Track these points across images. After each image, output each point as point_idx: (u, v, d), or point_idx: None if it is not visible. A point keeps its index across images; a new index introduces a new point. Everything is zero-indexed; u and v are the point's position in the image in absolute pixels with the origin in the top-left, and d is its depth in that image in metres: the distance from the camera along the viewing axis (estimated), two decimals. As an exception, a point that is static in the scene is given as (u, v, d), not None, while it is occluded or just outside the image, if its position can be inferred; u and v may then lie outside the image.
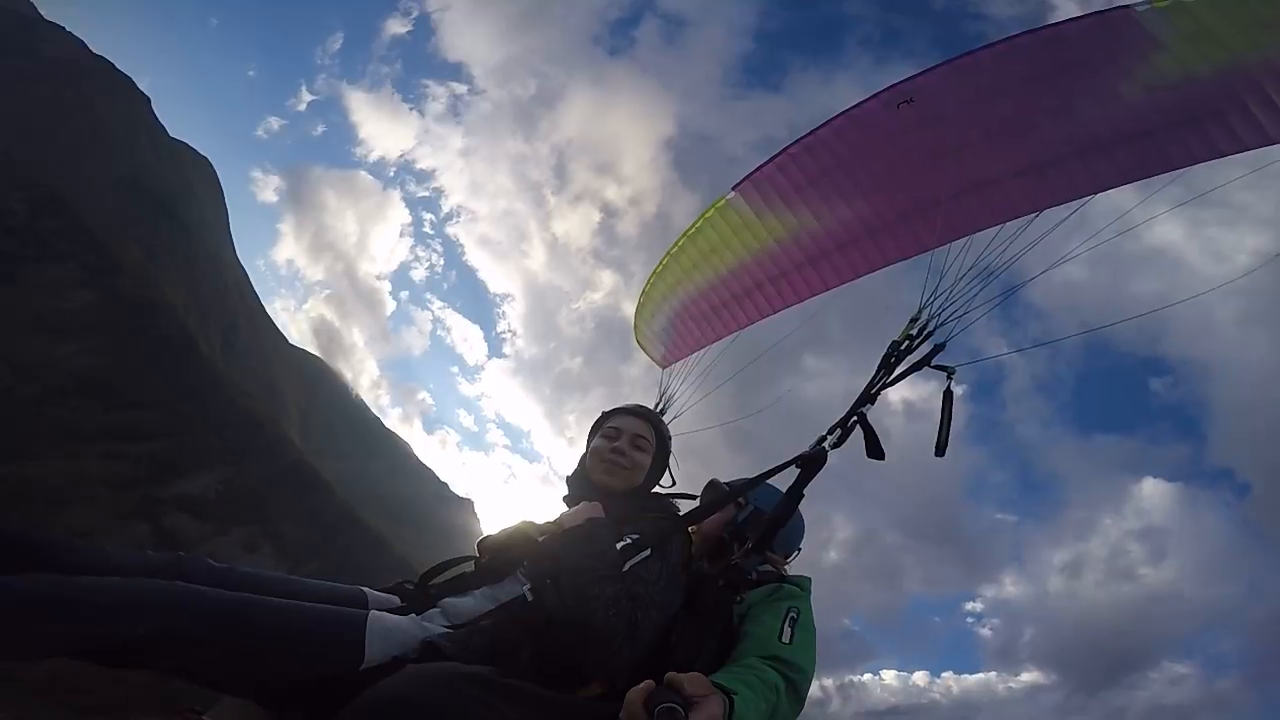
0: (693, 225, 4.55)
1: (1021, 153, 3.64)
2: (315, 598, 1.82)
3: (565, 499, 2.37)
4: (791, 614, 2.12)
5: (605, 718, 1.67)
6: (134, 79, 50.16)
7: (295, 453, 28.37)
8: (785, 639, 2.01)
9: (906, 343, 3.03)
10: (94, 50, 46.57)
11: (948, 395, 2.75)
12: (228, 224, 63.42)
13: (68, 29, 45.58)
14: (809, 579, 2.45)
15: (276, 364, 56.55)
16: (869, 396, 2.77)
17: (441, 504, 77.53)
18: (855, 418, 2.64)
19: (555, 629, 1.79)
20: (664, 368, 4.70)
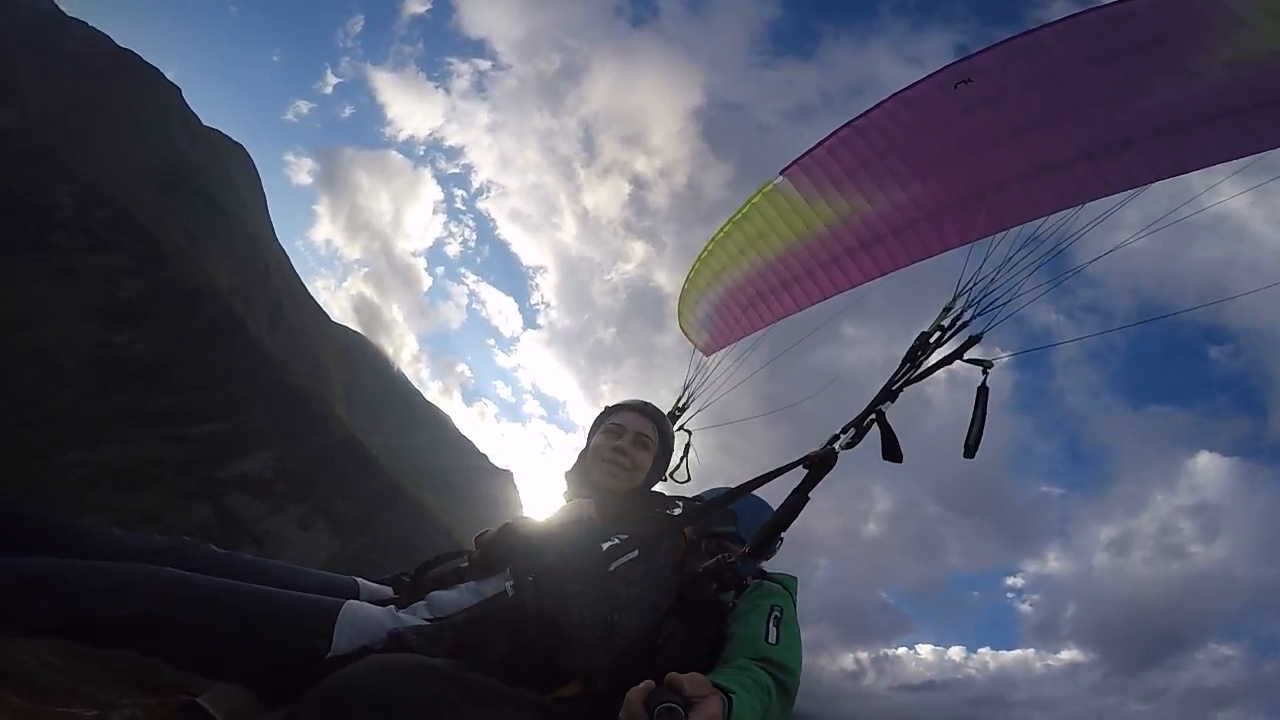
0: (739, 211, 4.47)
1: (1092, 135, 3.48)
2: (307, 586, 1.87)
3: (564, 495, 2.35)
4: (775, 613, 2.11)
5: (570, 717, 1.70)
6: (161, 70, 51.21)
7: (343, 429, 29.54)
8: (772, 639, 2.01)
9: (937, 334, 2.88)
10: (119, 43, 47.53)
11: (982, 392, 2.62)
12: (265, 207, 65.30)
13: (90, 24, 46.58)
14: (794, 579, 2.43)
15: (320, 342, 58.62)
16: (890, 393, 2.64)
17: (482, 475, 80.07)
18: (873, 416, 2.53)
19: (531, 627, 1.79)
20: (708, 355, 4.64)
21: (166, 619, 1.51)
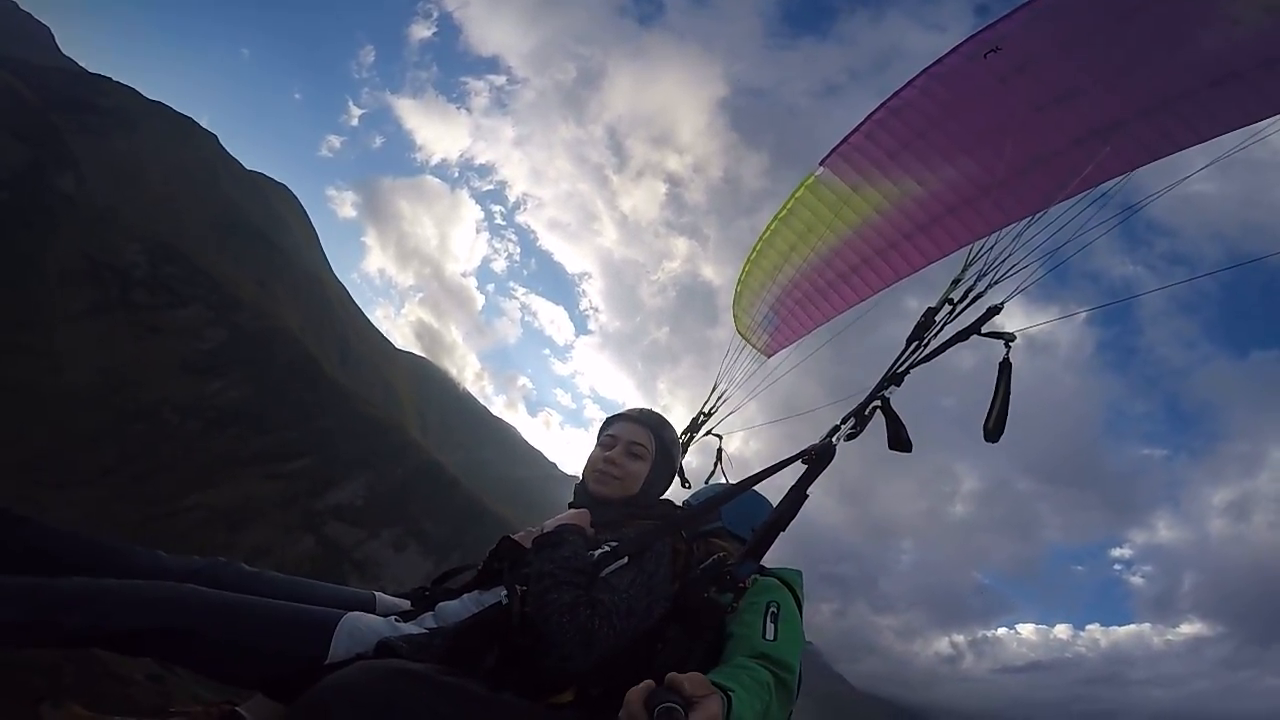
0: (783, 207, 4.63)
1: (1143, 92, 3.42)
2: (324, 600, 2.04)
3: (570, 504, 2.48)
4: (772, 609, 2.15)
5: None
6: (194, 118, 51.70)
7: (423, 453, 31.41)
8: (769, 636, 2.06)
9: (947, 308, 2.76)
10: (148, 96, 47.96)
11: (1005, 367, 2.52)
12: (319, 244, 69.32)
13: (115, 79, 47.19)
14: (798, 572, 2.44)
15: (388, 370, 61.90)
16: (894, 377, 2.58)
17: (553, 483, 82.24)
18: (876, 403, 2.48)
19: (519, 635, 1.88)
20: (769, 356, 4.76)
21: (185, 631, 1.71)
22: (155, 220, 36.50)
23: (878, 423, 2.49)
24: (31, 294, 25.34)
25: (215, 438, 25.59)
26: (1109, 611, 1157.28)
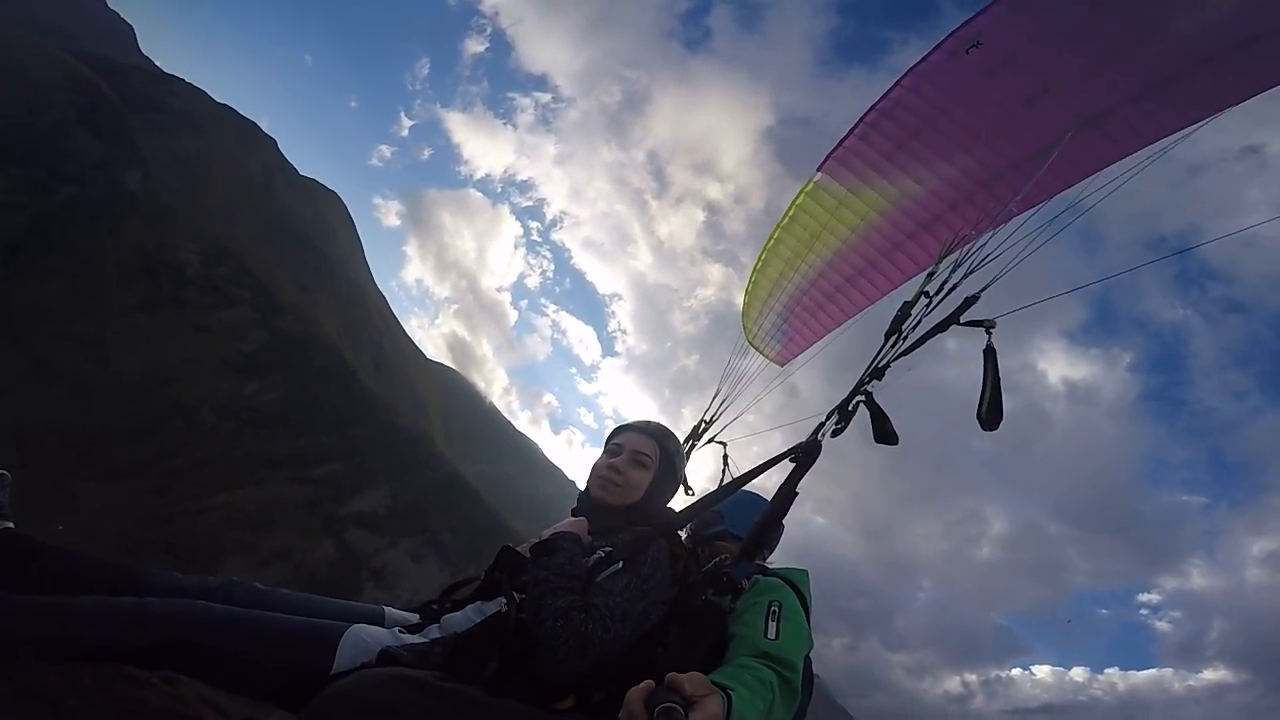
0: (785, 215, 4.75)
1: (1126, 78, 3.52)
2: (333, 614, 2.18)
3: (572, 511, 2.63)
4: (774, 607, 2.21)
5: None
6: (256, 122, 54.16)
7: (448, 465, 32.17)
8: (770, 635, 2.12)
9: (923, 301, 2.88)
10: (216, 99, 50.26)
11: (990, 354, 2.59)
12: (362, 252, 72.23)
13: (187, 80, 49.19)
14: (804, 572, 2.51)
15: (418, 380, 63.71)
16: (876, 371, 2.70)
17: (570, 502, 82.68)
18: (860, 398, 2.59)
19: (515, 641, 1.99)
20: (781, 365, 4.88)
21: (198, 645, 1.84)
22: (212, 221, 38.56)
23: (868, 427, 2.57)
24: (89, 286, 27.10)
25: (248, 439, 26.78)
26: (1130, 655, 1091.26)
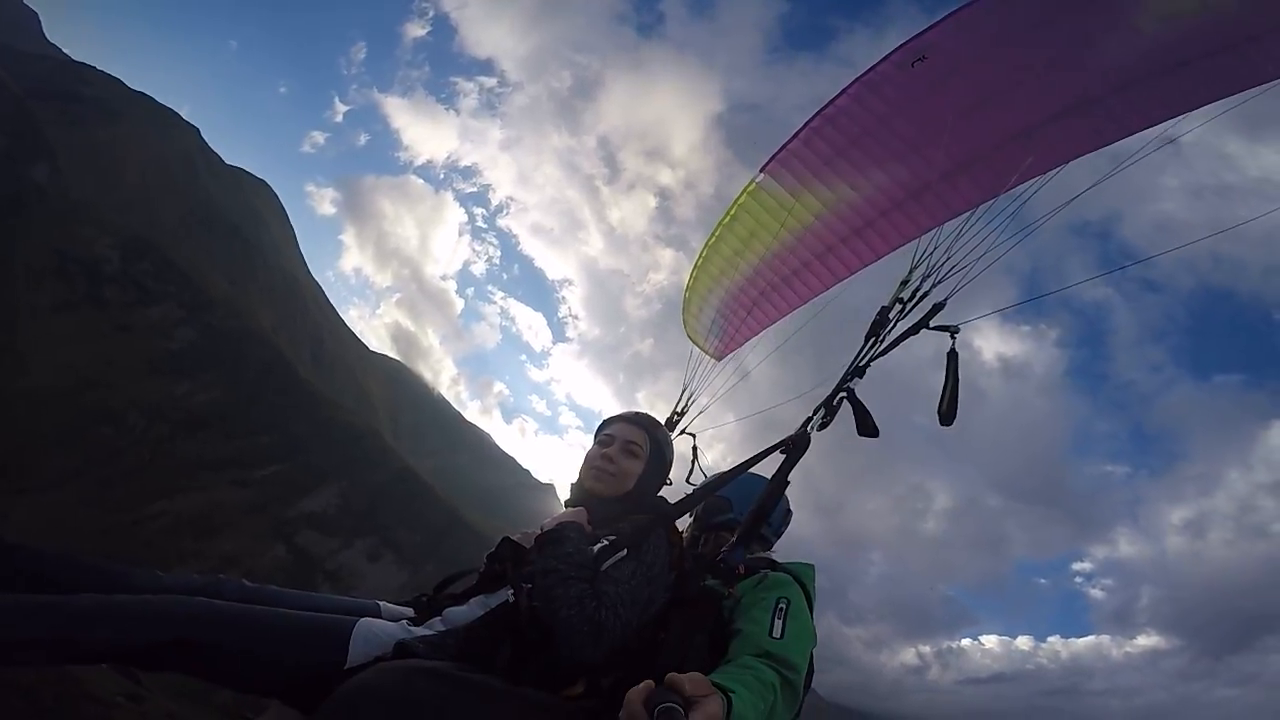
0: (727, 213, 4.95)
1: (1055, 98, 3.78)
2: (331, 610, 2.16)
3: (566, 503, 2.64)
4: (781, 605, 2.23)
5: (576, 714, 1.93)
6: (177, 110, 51.61)
7: (398, 460, 31.70)
8: (776, 633, 2.14)
9: (898, 307, 3.09)
10: (132, 87, 47.78)
11: (952, 357, 2.82)
12: (296, 242, 69.68)
13: (99, 68, 46.81)
14: (810, 566, 2.58)
15: (362, 373, 62.20)
16: (858, 369, 2.88)
17: (525, 492, 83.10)
18: (843, 394, 2.77)
19: (529, 630, 2.00)
20: (719, 359, 4.99)
21: (205, 643, 1.79)
22: (130, 215, 36.53)
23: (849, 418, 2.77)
24: (-5, 289, 25.60)
25: (183, 442, 25.85)
26: (1069, 623, 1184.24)
